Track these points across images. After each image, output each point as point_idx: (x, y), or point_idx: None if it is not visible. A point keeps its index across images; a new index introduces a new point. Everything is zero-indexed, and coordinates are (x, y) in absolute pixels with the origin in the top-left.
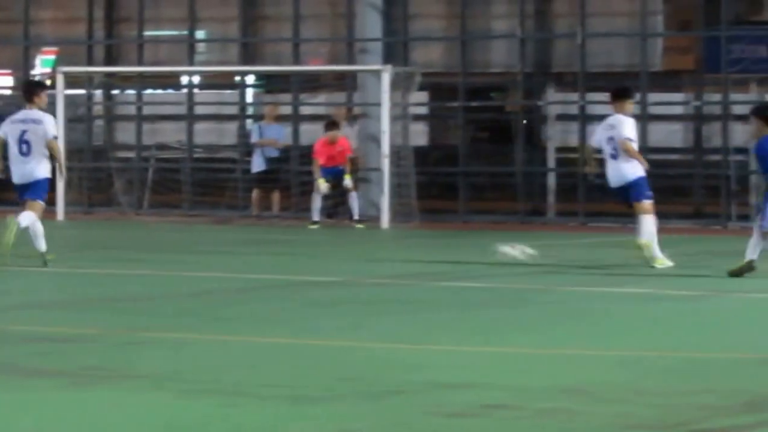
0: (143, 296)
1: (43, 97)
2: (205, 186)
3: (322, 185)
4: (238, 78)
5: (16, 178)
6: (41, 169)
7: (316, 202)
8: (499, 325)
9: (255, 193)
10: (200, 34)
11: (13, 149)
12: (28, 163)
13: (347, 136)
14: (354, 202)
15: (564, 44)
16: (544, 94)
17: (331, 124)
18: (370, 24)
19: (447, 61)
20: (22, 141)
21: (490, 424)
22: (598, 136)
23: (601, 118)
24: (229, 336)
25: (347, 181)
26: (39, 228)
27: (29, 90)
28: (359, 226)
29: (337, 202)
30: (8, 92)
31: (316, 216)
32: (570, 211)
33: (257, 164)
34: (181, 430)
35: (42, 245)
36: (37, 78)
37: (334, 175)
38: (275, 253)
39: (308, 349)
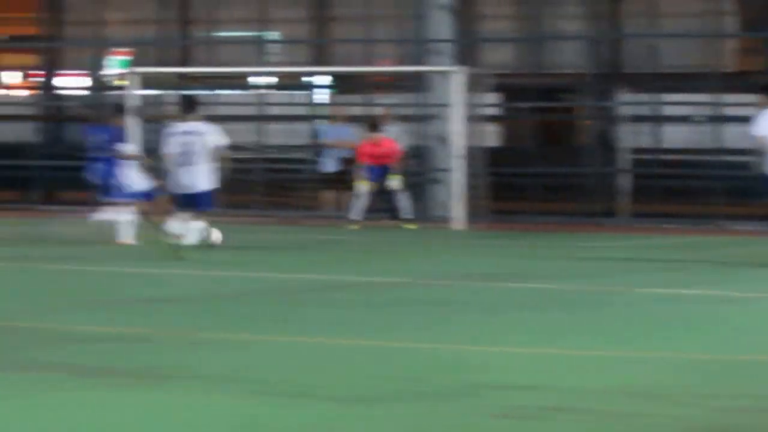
0: (209, 296)
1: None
2: (275, 186)
3: (362, 186)
4: (308, 79)
5: (181, 188)
6: (206, 180)
7: (359, 203)
8: (566, 327)
9: (325, 194)
10: (272, 35)
11: (176, 160)
12: (192, 174)
13: (391, 136)
14: (402, 202)
15: (635, 45)
16: (615, 95)
17: (373, 125)
18: (441, 25)
19: (518, 62)
20: (185, 152)
21: (556, 426)
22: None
23: (673, 119)
24: (294, 337)
25: (391, 181)
26: (194, 226)
27: (190, 103)
28: (408, 226)
29: (386, 203)
30: (82, 92)
31: (356, 216)
32: (643, 213)
33: (327, 165)
34: (243, 431)
35: (189, 239)
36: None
37: (378, 175)
38: (342, 253)
39: (373, 350)
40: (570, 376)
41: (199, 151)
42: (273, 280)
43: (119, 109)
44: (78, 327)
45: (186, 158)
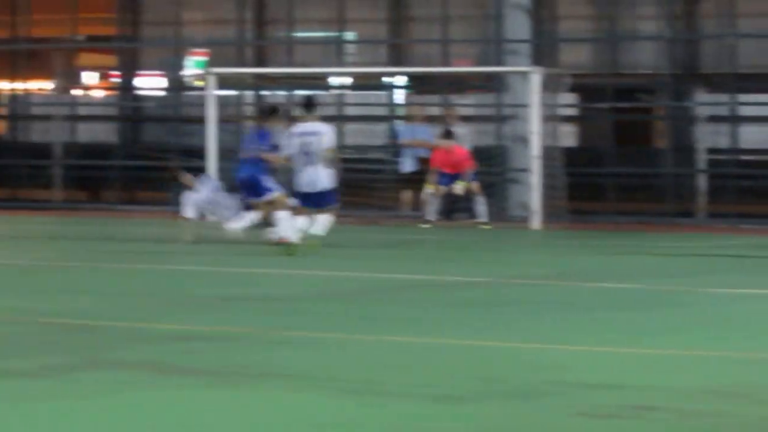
0: (293, 296)
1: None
2: (354, 186)
3: (429, 189)
4: (386, 79)
5: (303, 186)
6: (327, 178)
7: (431, 204)
8: (646, 326)
9: (404, 194)
10: (349, 35)
11: (298, 160)
12: (314, 173)
13: (458, 136)
14: (478, 204)
15: (713, 45)
16: (692, 95)
17: (447, 133)
18: (519, 25)
19: (595, 63)
20: (306, 152)
21: (638, 425)
22: None
23: (750, 119)
24: (377, 336)
25: (458, 186)
26: (298, 222)
27: (310, 103)
28: (484, 227)
29: (458, 205)
30: (160, 93)
31: (430, 216)
32: (719, 213)
33: (406, 165)
34: (327, 430)
35: (292, 236)
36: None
37: (449, 182)
38: (422, 253)
39: (454, 349)
40: (652, 375)
41: (318, 151)
42: (356, 279)
43: (273, 110)
44: (162, 326)
45: (308, 158)
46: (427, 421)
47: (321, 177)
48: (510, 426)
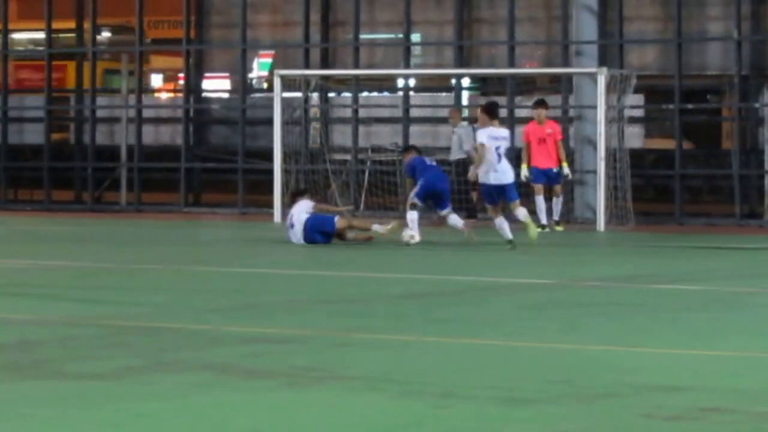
0: (358, 297)
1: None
2: None
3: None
4: (453, 81)
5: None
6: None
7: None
8: (714, 328)
9: (472, 195)
10: (415, 37)
11: (493, 157)
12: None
13: (461, 137)
14: (556, 206)
15: None
16: (760, 96)
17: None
18: (585, 26)
19: (662, 64)
20: (498, 153)
21: (707, 427)
22: None
23: None
24: (442, 337)
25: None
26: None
27: (494, 108)
28: (558, 228)
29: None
30: (227, 95)
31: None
32: None
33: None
34: (393, 431)
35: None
36: (253, 80)
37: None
38: (487, 255)
39: (520, 351)
40: (719, 377)
41: (505, 150)
42: (424, 281)
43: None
44: (230, 328)
45: (498, 156)
46: (493, 423)
47: (508, 172)
48: (576, 428)
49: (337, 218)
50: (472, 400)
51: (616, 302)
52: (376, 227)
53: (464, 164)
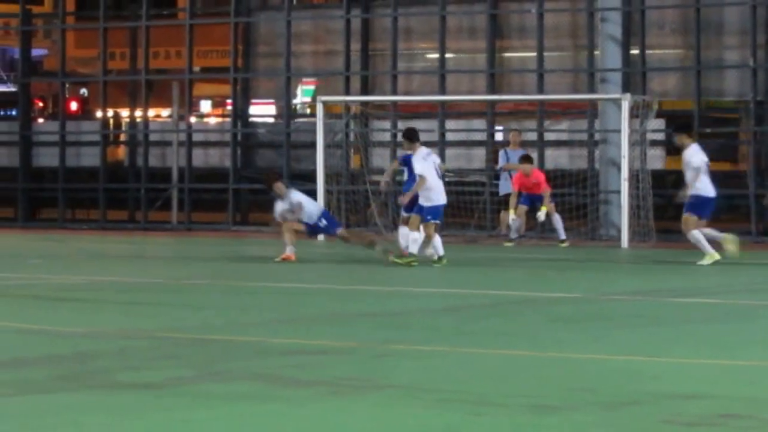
0: (396, 311)
1: None
2: (455, 208)
3: (513, 212)
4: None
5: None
6: None
7: (516, 223)
8: (732, 339)
9: (502, 214)
10: (449, 65)
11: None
12: None
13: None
14: (557, 223)
15: None
16: None
17: (525, 158)
18: (610, 55)
19: (682, 90)
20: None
21: None
22: None
23: None
24: (476, 349)
25: (540, 214)
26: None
27: (413, 134)
28: (563, 245)
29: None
30: (272, 120)
31: (513, 235)
32: None
33: (504, 187)
34: None
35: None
36: (297, 106)
37: (531, 203)
38: (519, 270)
39: (549, 361)
40: (737, 385)
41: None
42: (457, 295)
43: (412, 132)
44: (274, 340)
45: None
46: (525, 429)
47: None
48: None
49: (340, 230)
50: (505, 407)
51: (639, 315)
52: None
53: None
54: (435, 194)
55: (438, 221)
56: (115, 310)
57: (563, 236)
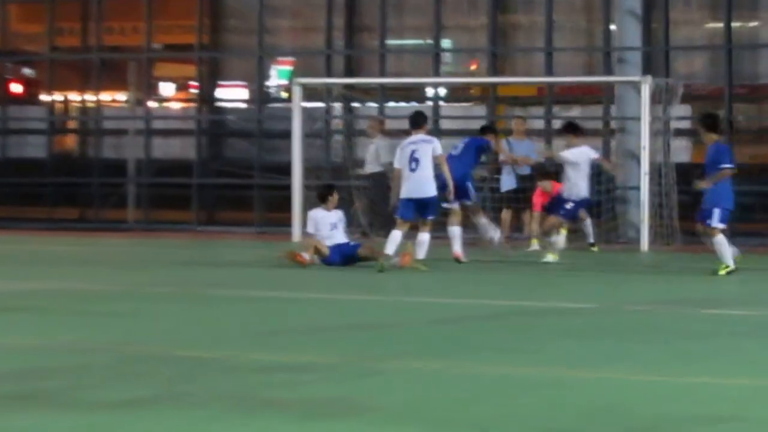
0: (387, 323)
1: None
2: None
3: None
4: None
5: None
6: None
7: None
8: (765, 356)
9: (504, 213)
10: (446, 43)
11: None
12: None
13: (378, 149)
14: (588, 228)
15: None
16: None
17: (545, 174)
18: (629, 32)
19: (711, 72)
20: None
21: None
22: None
23: None
24: (476, 366)
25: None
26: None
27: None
28: (593, 249)
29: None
30: (243, 105)
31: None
32: None
33: (507, 183)
34: None
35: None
36: (271, 89)
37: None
38: (525, 276)
39: (558, 380)
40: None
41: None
42: (458, 306)
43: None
44: (250, 356)
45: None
46: None
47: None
48: None
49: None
50: None
51: (661, 328)
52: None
53: (380, 177)
54: (406, 188)
55: (409, 219)
56: (68, 322)
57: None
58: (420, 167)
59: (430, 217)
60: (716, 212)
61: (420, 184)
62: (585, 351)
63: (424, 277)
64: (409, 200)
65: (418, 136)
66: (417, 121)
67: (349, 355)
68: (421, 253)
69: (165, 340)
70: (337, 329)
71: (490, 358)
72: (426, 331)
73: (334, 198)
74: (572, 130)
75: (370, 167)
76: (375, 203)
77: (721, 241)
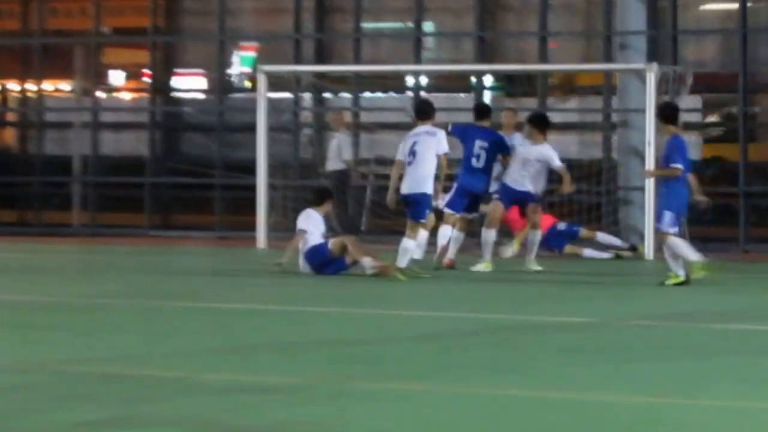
0: (361, 339)
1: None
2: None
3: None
4: (473, 79)
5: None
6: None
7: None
8: None
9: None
10: (428, 26)
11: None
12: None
13: (340, 145)
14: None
15: None
16: None
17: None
18: (632, 15)
19: (724, 59)
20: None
21: None
22: None
23: None
24: (462, 387)
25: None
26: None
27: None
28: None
29: None
30: (201, 96)
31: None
32: None
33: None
34: None
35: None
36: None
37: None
38: (517, 287)
39: (553, 403)
40: None
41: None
42: (440, 320)
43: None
44: (208, 375)
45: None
46: None
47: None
48: None
49: (331, 242)
50: None
51: (667, 345)
52: (366, 261)
53: (342, 175)
54: (403, 184)
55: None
56: (8, 337)
57: (623, 245)
58: (416, 162)
59: (420, 220)
60: (666, 215)
61: (412, 179)
62: (582, 370)
63: (403, 287)
64: (403, 197)
65: (423, 127)
66: (422, 110)
67: (318, 375)
68: (403, 260)
69: (114, 358)
70: (305, 346)
71: (478, 379)
72: (405, 349)
73: (329, 205)
74: (540, 124)
75: (332, 164)
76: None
77: (673, 245)
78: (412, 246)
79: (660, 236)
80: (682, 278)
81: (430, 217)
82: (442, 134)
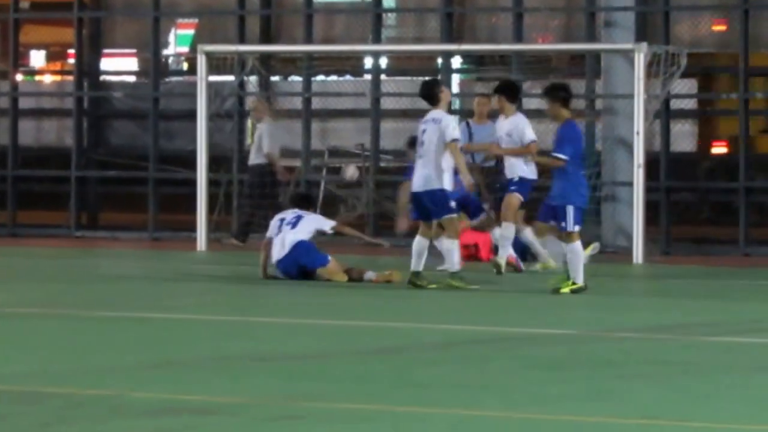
0: (313, 353)
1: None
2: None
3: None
4: (439, 60)
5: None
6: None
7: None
8: None
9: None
10: (389, 1)
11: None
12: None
13: (261, 135)
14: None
15: None
16: None
17: None
18: None
19: (722, 38)
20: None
21: None
22: None
23: None
24: (422, 407)
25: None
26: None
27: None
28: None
29: None
30: (133, 79)
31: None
32: None
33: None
34: None
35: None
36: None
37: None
38: (488, 296)
39: (528, 425)
40: None
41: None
42: (401, 331)
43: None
44: (140, 394)
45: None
46: None
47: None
48: None
49: (330, 259)
50: None
51: (659, 360)
52: (370, 275)
53: (261, 171)
54: (414, 180)
55: (417, 219)
56: None
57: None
58: (421, 153)
59: (444, 216)
60: (570, 211)
61: (419, 174)
62: (561, 388)
63: (361, 295)
64: (413, 195)
65: (431, 113)
66: (426, 94)
67: (262, 393)
68: (452, 263)
69: (32, 374)
70: (245, 360)
71: (443, 398)
72: (361, 363)
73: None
74: (510, 93)
75: (253, 157)
76: (251, 201)
77: (576, 250)
78: (452, 245)
79: (565, 236)
80: (581, 284)
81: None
82: (449, 120)
